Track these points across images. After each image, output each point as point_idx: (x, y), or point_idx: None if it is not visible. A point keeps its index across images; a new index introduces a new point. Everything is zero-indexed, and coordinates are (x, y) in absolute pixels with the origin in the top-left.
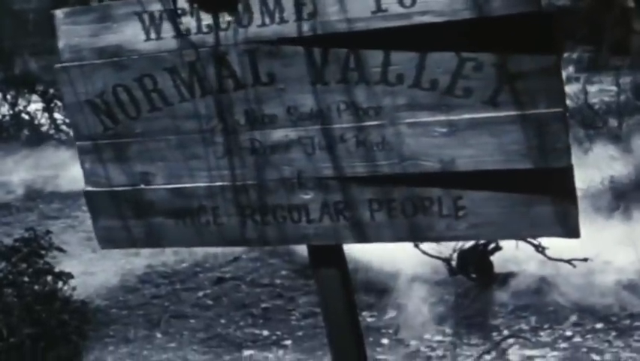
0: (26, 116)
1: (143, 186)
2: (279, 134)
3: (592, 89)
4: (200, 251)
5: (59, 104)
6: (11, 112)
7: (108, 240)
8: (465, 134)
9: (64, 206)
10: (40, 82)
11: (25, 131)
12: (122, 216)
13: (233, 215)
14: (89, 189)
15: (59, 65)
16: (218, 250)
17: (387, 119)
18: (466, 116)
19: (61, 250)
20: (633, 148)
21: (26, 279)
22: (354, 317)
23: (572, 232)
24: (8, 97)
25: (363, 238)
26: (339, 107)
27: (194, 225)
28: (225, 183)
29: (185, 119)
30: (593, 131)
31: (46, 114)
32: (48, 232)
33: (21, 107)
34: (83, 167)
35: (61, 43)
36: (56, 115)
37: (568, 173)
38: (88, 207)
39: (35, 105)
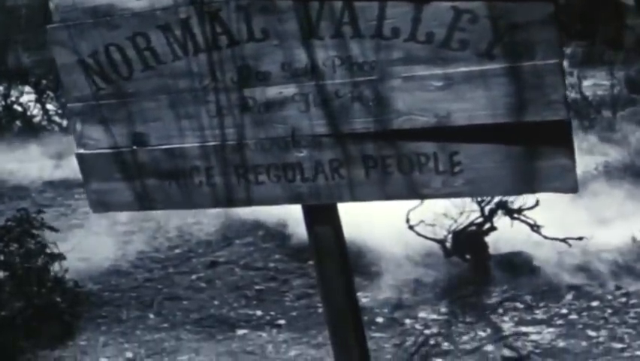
0: (19, 108)
1: (135, 147)
2: (273, 92)
3: (586, 83)
4: (193, 238)
5: (52, 95)
6: (3, 103)
7: (100, 203)
8: (460, 87)
9: (56, 195)
10: (32, 75)
11: (18, 123)
12: (114, 179)
13: (226, 175)
14: (81, 151)
15: (51, 26)
16: (212, 235)
17: (383, 74)
18: (462, 69)
19: (53, 228)
20: (626, 136)
21: (18, 259)
22: (348, 277)
23: (570, 187)
24: (0, 88)
25: (358, 196)
26: (334, 62)
27: (187, 186)
28: (218, 143)
29: (178, 78)
30: (587, 121)
31: (38, 105)
32: (40, 211)
33: (13, 99)
34: (74, 129)
35: (52, 4)
36: (49, 106)
37: (565, 126)
38: (80, 169)
39: (28, 97)
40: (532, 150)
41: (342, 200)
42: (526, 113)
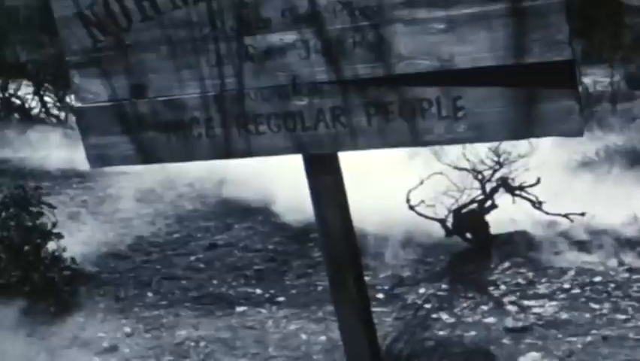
0: (17, 101)
1: (134, 99)
2: (273, 39)
3: (586, 80)
4: (192, 224)
5: (50, 87)
6: (1, 96)
7: (98, 158)
8: (463, 30)
9: (54, 184)
10: (31, 68)
11: (16, 115)
12: (113, 132)
13: (226, 126)
14: (79, 105)
15: None
16: (210, 221)
17: (384, 18)
18: (465, 11)
19: (50, 205)
20: (625, 125)
21: (15, 235)
22: (349, 226)
23: (576, 129)
24: None
25: (360, 144)
26: (335, 7)
27: (186, 138)
28: (218, 93)
29: (177, 28)
30: (588, 112)
31: (36, 98)
32: (37, 188)
33: (11, 91)
34: (72, 82)
35: None
36: (46, 98)
37: (569, 67)
38: (77, 124)
39: (26, 89)
40: (536, 93)
41: (344, 149)
42: (531, 54)
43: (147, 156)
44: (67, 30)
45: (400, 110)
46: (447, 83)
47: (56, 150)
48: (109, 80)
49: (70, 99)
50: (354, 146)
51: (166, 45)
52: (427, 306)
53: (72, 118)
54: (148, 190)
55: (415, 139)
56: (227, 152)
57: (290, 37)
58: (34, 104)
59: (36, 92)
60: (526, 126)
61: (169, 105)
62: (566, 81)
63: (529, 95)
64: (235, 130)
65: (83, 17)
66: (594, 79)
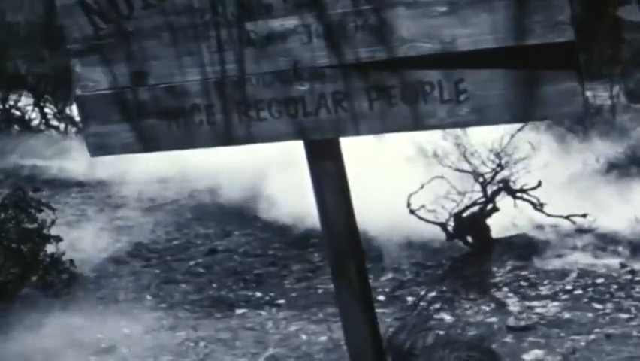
0: (17, 112)
1: (135, 87)
2: (274, 24)
3: (586, 93)
4: (191, 231)
5: (50, 99)
6: (1, 107)
7: (99, 147)
8: (465, 12)
9: (53, 193)
10: (31, 80)
11: (16, 127)
12: (113, 121)
13: (227, 112)
14: (80, 93)
15: None
16: (210, 228)
17: (386, 1)
18: None
19: (50, 207)
20: (625, 134)
21: (14, 237)
22: (351, 213)
23: (578, 111)
24: None
25: (362, 129)
26: None
27: (186, 125)
28: (219, 79)
29: (178, 15)
30: (589, 124)
31: (36, 109)
32: (37, 190)
33: (11, 103)
34: (73, 70)
35: None
36: (46, 110)
37: (571, 47)
38: (79, 113)
39: (26, 100)
40: (538, 75)
41: (346, 134)
42: (532, 36)
43: (147, 143)
44: (69, 18)
45: (401, 94)
46: (449, 66)
47: (55, 160)
48: (110, 68)
49: (70, 110)
50: (356, 131)
51: (167, 32)
52: (429, 308)
53: (72, 129)
54: (148, 199)
55: (417, 123)
56: (228, 139)
57: (291, 22)
58: (34, 115)
59: (36, 104)
60: (529, 109)
61: (170, 92)
62: (568, 63)
63: (532, 77)
64: (236, 116)
65: (85, 5)
66: (594, 93)
